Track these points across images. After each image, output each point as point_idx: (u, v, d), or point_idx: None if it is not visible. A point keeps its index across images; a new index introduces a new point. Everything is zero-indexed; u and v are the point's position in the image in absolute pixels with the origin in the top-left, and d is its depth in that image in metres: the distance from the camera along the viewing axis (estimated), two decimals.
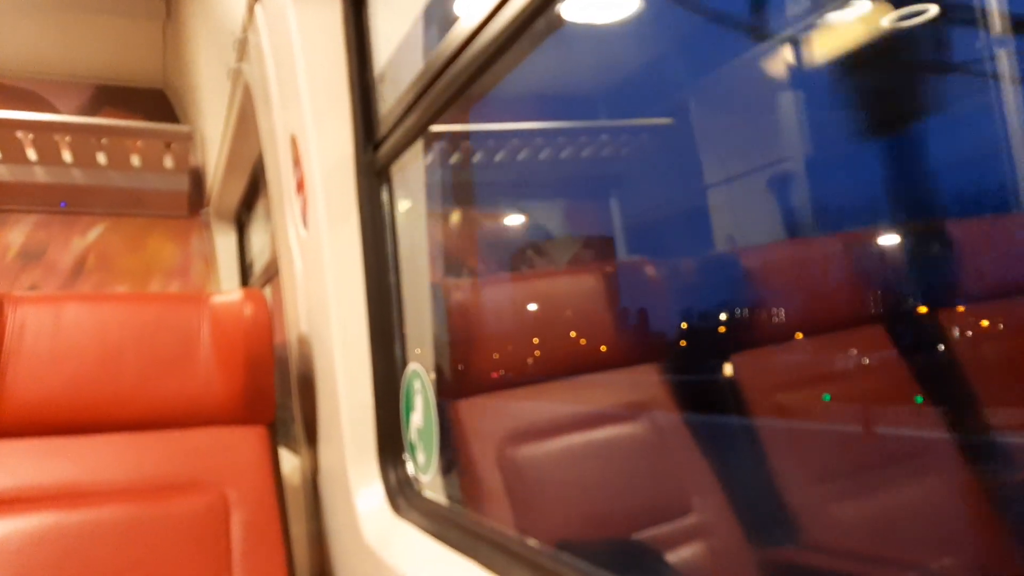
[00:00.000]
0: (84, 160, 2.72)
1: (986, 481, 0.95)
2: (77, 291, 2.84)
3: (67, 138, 2.61)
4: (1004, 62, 0.91)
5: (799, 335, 1.11)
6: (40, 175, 2.71)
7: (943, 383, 1.03)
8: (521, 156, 1.94)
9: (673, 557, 1.13)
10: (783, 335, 1.12)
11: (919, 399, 1.03)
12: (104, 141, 2.65)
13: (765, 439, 1.11)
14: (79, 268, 2.94)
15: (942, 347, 1.01)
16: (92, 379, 1.17)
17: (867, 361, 1.07)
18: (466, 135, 1.93)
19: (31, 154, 2.63)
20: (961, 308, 0.98)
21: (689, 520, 1.16)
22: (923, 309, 1.02)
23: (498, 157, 1.95)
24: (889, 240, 1.02)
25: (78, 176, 2.78)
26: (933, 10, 0.98)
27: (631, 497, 1.20)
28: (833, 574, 1.00)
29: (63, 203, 2.92)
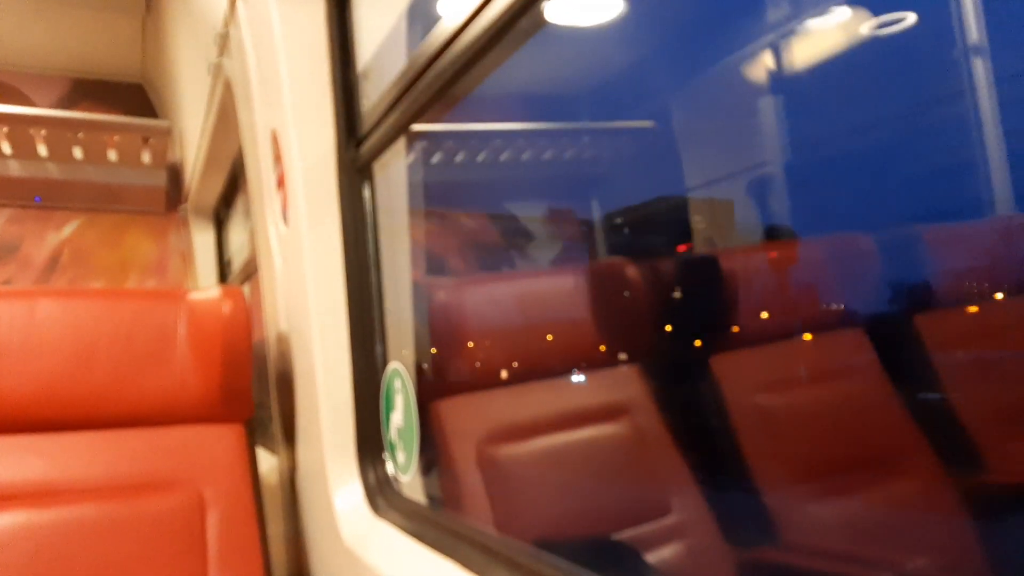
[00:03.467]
0: (60, 154, 2.67)
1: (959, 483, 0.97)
2: (52, 286, 2.80)
3: (43, 132, 2.57)
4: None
5: (779, 337, 1.12)
6: (14, 169, 2.66)
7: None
8: (504, 156, 1.93)
9: (652, 557, 1.14)
10: (764, 337, 1.13)
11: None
12: (80, 135, 2.61)
13: (743, 440, 1.11)
14: (54, 263, 2.90)
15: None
16: (66, 375, 1.15)
17: (845, 363, 1.08)
18: (450, 134, 1.92)
19: (5, 147, 2.58)
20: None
21: (668, 520, 1.16)
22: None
23: (481, 157, 1.94)
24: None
25: (53, 170, 2.73)
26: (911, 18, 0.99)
27: (610, 497, 1.20)
28: (811, 573, 1.01)
29: (38, 198, 2.87)
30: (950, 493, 0.98)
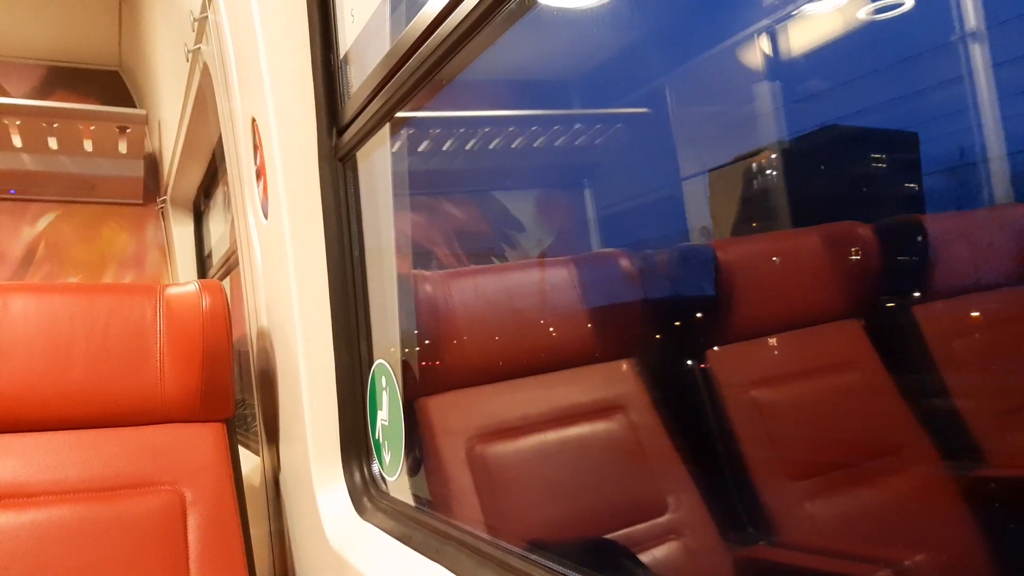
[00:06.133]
0: (34, 145, 2.63)
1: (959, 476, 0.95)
2: (26, 282, 2.74)
3: (17, 122, 2.52)
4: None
5: (776, 330, 1.10)
6: None
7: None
8: (494, 144, 1.90)
9: (646, 556, 1.12)
10: (761, 330, 1.11)
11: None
12: (55, 125, 2.56)
13: (740, 435, 1.09)
14: (29, 258, 2.85)
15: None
16: (41, 373, 1.12)
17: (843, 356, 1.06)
18: (436, 121, 1.89)
19: None
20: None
21: (663, 519, 1.15)
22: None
23: (470, 144, 1.91)
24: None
25: (28, 161, 2.69)
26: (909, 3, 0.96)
27: (603, 496, 1.18)
28: (807, 571, 1.00)
29: (12, 190, 2.82)
30: (951, 487, 0.96)
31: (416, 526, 1.00)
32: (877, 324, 1.01)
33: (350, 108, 1.14)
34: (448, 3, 0.80)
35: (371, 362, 1.18)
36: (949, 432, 0.93)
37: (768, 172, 1.00)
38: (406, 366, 1.19)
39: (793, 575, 1.00)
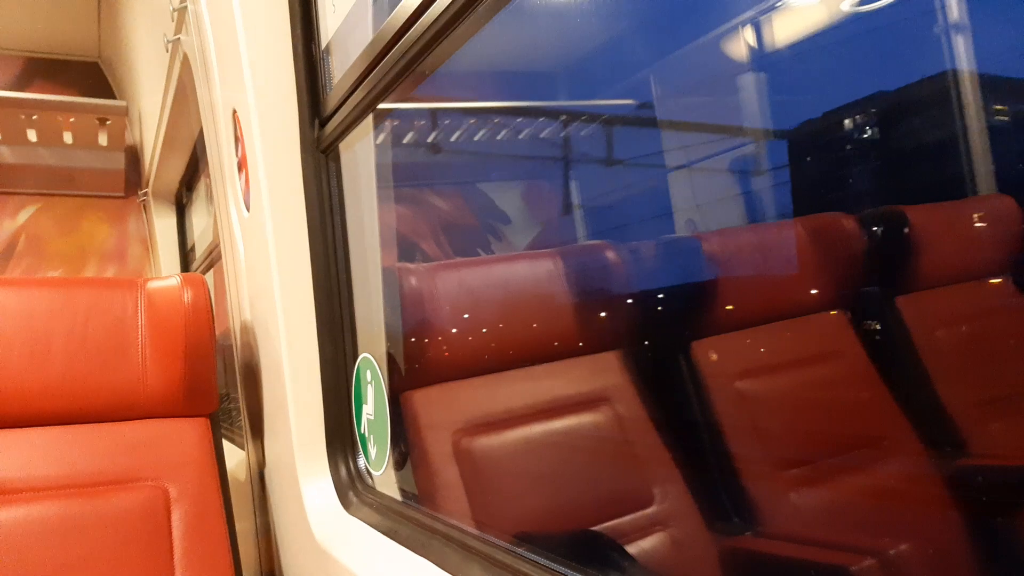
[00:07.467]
0: (13, 137, 2.59)
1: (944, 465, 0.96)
2: (6, 276, 2.71)
3: None
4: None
5: (761, 322, 1.10)
6: None
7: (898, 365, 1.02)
8: (478, 136, 1.89)
9: (633, 548, 1.12)
10: (746, 321, 1.11)
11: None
12: (35, 117, 2.52)
13: (726, 427, 1.10)
14: (9, 251, 2.82)
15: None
16: (21, 369, 1.10)
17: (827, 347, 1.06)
18: (419, 112, 1.88)
19: None
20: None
21: (650, 510, 1.15)
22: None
23: (455, 136, 1.90)
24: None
25: (7, 154, 2.66)
26: None
27: (590, 488, 1.18)
28: (793, 561, 1.00)
29: None
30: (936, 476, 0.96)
31: (402, 520, 0.99)
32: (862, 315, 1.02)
33: (332, 99, 1.12)
34: None
35: (356, 356, 1.17)
36: (936, 422, 0.94)
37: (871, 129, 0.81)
38: (391, 359, 1.18)
39: (779, 565, 1.01)
